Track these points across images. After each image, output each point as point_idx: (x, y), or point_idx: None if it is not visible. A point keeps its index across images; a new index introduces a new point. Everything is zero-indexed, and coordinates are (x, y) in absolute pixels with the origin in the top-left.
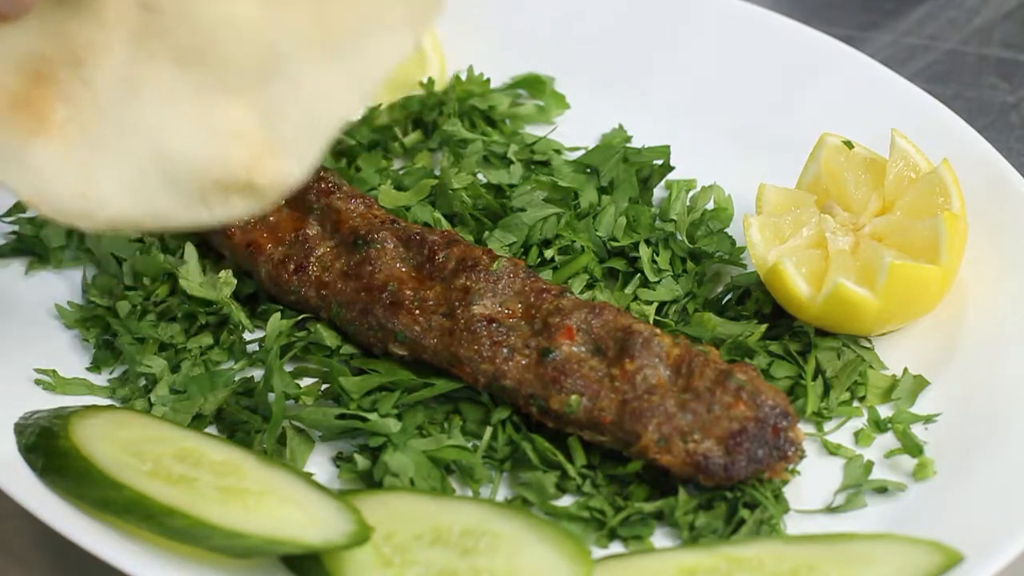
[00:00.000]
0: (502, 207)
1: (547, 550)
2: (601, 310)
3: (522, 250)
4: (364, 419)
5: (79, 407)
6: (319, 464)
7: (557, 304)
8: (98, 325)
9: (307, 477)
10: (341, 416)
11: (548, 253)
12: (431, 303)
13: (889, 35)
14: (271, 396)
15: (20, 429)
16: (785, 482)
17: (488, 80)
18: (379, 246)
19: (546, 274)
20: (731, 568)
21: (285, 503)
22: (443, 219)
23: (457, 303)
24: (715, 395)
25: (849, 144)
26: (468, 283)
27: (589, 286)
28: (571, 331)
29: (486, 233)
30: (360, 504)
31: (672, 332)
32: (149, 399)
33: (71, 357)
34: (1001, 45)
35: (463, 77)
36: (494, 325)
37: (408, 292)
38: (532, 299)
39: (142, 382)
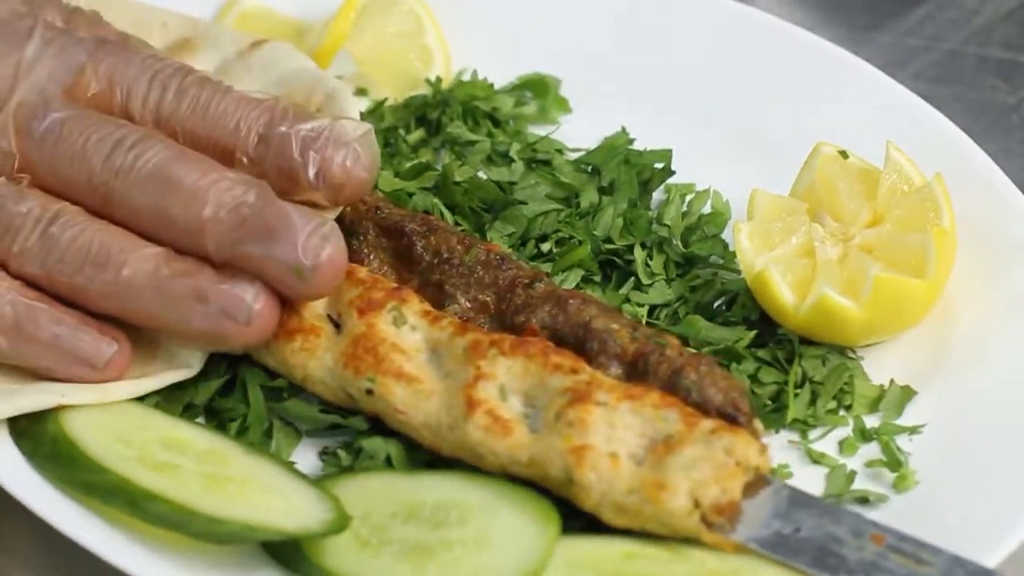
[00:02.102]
0: (504, 201)
1: (516, 515)
2: (566, 302)
3: (520, 242)
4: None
5: None
6: (305, 457)
7: (525, 297)
8: None
9: (290, 466)
10: (323, 410)
11: (545, 247)
12: None
13: (889, 36)
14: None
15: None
16: None
17: (492, 85)
18: (361, 238)
19: (544, 267)
20: (671, 558)
21: (266, 491)
22: (444, 208)
23: (432, 301)
24: None
25: (844, 154)
26: (442, 278)
27: (585, 280)
28: (535, 332)
29: (487, 224)
30: (339, 487)
31: (633, 322)
32: None
33: None
34: (1001, 46)
35: (466, 77)
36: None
37: None
38: (503, 291)
39: None
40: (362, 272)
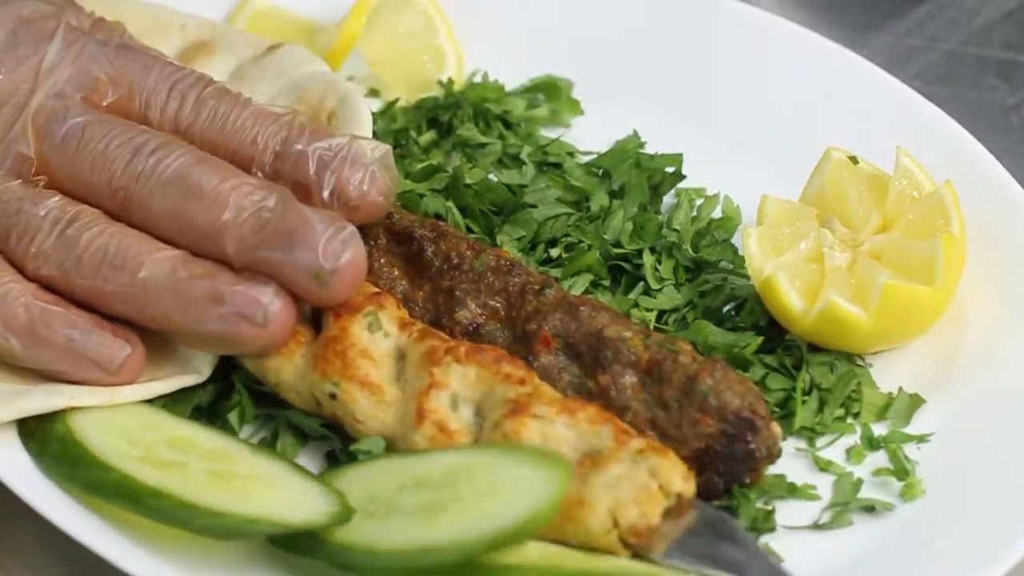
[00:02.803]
0: (514, 204)
1: (523, 466)
2: (577, 309)
3: (529, 246)
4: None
5: None
6: (313, 458)
7: (536, 304)
8: None
9: (295, 464)
10: (325, 424)
11: (554, 251)
12: (419, 308)
13: (889, 36)
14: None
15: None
16: (783, 491)
17: (503, 87)
18: (371, 244)
19: (553, 272)
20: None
21: (270, 486)
22: (455, 210)
23: (443, 307)
24: (683, 409)
25: (854, 159)
26: (452, 284)
27: (594, 284)
28: (547, 340)
29: (496, 228)
30: (340, 477)
31: (645, 329)
32: None
33: None
34: (1001, 46)
35: (478, 78)
36: (476, 333)
37: (398, 298)
38: (513, 298)
39: None
40: None
